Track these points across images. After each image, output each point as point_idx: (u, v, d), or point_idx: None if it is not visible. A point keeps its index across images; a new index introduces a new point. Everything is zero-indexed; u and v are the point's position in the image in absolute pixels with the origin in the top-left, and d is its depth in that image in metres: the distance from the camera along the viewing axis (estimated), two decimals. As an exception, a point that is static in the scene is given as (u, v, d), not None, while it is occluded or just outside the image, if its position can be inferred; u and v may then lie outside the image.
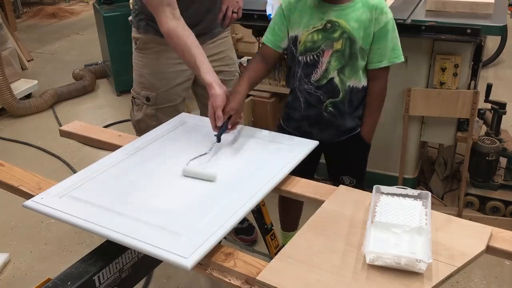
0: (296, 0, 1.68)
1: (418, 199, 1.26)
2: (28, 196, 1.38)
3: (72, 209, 1.26)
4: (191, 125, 1.72)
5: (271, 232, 1.65)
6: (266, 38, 1.75)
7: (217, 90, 1.55)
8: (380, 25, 1.61)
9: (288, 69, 1.82)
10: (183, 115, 1.81)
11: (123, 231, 1.17)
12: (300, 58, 1.69)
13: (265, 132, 1.66)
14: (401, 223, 1.16)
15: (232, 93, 1.65)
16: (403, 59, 1.68)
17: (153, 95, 1.94)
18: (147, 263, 1.34)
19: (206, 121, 1.75)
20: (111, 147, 1.66)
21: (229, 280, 1.11)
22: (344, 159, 1.84)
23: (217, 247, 1.16)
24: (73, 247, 2.40)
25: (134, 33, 1.95)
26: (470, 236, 1.15)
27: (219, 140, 1.54)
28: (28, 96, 4.07)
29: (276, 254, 1.16)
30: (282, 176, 1.39)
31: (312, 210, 1.27)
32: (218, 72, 1.94)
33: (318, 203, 1.32)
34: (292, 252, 1.13)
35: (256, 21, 2.45)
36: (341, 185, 1.38)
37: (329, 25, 1.62)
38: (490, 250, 1.14)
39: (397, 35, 1.67)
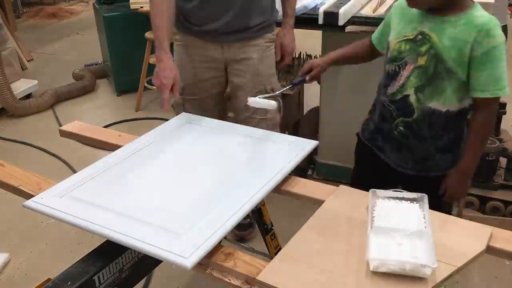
0: (403, 4, 1.51)
1: (415, 202, 1.24)
2: (28, 196, 1.38)
3: (72, 209, 1.27)
4: (191, 125, 1.72)
5: (271, 232, 1.64)
6: (374, 33, 1.68)
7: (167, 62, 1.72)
8: (483, 50, 1.37)
9: None
10: (183, 115, 1.81)
11: (123, 231, 1.17)
12: (386, 66, 1.55)
13: (265, 132, 1.66)
14: (400, 227, 1.14)
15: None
16: (507, 93, 1.41)
17: (181, 86, 1.99)
18: (147, 263, 1.34)
19: (206, 121, 1.76)
20: (111, 147, 1.66)
21: (229, 280, 1.11)
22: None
23: (217, 247, 1.16)
24: (73, 247, 2.40)
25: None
26: (470, 236, 1.15)
27: (294, 84, 1.70)
28: (28, 96, 4.07)
29: (276, 254, 1.16)
30: (282, 176, 1.39)
31: (312, 210, 1.28)
32: (231, 81, 2.09)
33: (318, 203, 1.32)
34: (292, 252, 1.13)
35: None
36: (341, 185, 1.38)
37: (419, 36, 1.45)
38: (490, 250, 1.14)
39: (504, 64, 1.40)
